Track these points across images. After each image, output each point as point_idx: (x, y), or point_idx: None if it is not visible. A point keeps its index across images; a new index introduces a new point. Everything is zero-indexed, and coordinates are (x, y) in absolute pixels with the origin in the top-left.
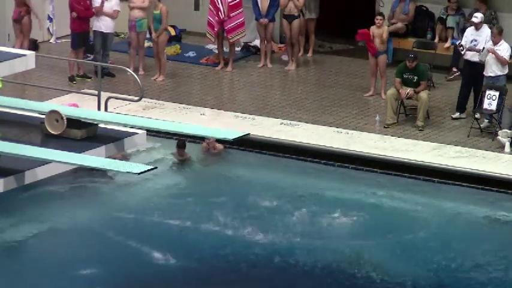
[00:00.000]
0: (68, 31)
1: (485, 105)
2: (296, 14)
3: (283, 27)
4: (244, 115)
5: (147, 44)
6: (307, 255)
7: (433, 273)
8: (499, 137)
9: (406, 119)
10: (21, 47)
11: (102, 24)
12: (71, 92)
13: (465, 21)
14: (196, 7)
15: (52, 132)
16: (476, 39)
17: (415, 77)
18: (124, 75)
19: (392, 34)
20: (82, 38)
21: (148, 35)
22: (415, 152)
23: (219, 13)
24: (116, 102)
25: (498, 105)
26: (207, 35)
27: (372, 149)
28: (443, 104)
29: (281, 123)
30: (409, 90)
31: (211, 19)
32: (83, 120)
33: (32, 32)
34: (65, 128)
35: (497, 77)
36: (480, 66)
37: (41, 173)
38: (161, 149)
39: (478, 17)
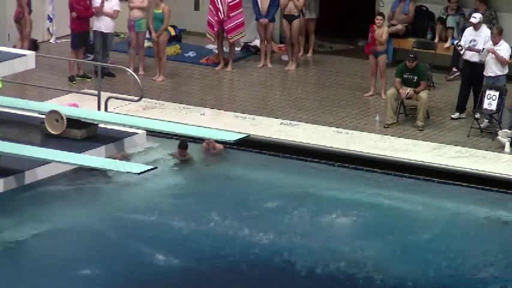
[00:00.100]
0: (68, 31)
1: (485, 105)
2: (296, 14)
3: (283, 27)
4: (244, 115)
5: (147, 44)
6: (307, 255)
7: (433, 273)
8: (499, 137)
9: (406, 119)
10: (21, 47)
11: (102, 24)
12: (71, 92)
13: (465, 21)
14: (196, 7)
15: (52, 132)
16: (475, 39)
17: (415, 77)
18: (124, 75)
19: (393, 34)
20: (82, 38)
21: (148, 35)
22: (415, 152)
23: (219, 13)
24: (116, 102)
25: (498, 105)
26: (207, 35)
27: (372, 149)
28: (443, 104)
29: (281, 123)
30: (409, 90)
31: (211, 19)
32: (83, 120)
33: (32, 32)
34: (65, 128)
35: (497, 77)
36: (479, 66)
37: (41, 173)
38: (161, 149)
39: (476, 17)
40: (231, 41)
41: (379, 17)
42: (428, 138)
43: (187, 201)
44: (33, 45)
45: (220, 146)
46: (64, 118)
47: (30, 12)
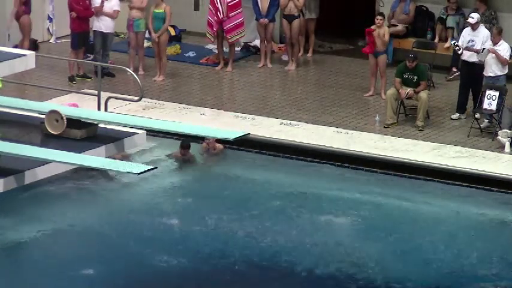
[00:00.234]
0: (68, 31)
1: (485, 105)
2: (296, 14)
3: (283, 27)
4: (244, 115)
5: (146, 44)
6: (307, 255)
7: (433, 273)
8: (499, 137)
9: (406, 119)
10: (21, 47)
11: (102, 24)
12: (71, 92)
13: (465, 21)
14: (196, 7)
15: (52, 132)
16: (473, 39)
17: (415, 77)
18: (124, 75)
19: (392, 35)
20: (82, 38)
21: (148, 35)
22: (415, 152)
23: (218, 13)
24: (116, 102)
25: (498, 105)
26: (207, 34)
27: (372, 149)
28: (443, 104)
29: (281, 123)
30: (408, 90)
31: (210, 19)
32: (83, 120)
33: (32, 32)
34: (64, 128)
35: (497, 77)
36: (478, 66)
37: (41, 173)
38: (161, 149)
39: (474, 17)
40: (230, 41)
41: (379, 17)
42: (428, 138)
43: (187, 201)
44: (33, 45)
45: (220, 146)
46: (64, 118)
47: (29, 12)
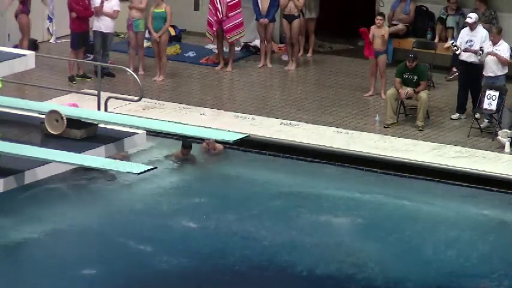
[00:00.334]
0: (68, 31)
1: (485, 105)
2: (296, 14)
3: (283, 27)
4: (244, 115)
5: (146, 44)
6: (307, 256)
7: (433, 273)
8: (499, 137)
9: (406, 119)
10: (21, 47)
11: (102, 24)
12: (71, 92)
13: (465, 21)
14: (196, 7)
15: (52, 132)
16: (472, 39)
17: (415, 77)
18: (124, 75)
19: (393, 34)
20: (82, 38)
21: (148, 35)
22: (415, 152)
23: (218, 13)
24: (115, 102)
25: (498, 105)
26: (207, 34)
27: (372, 149)
28: (443, 104)
29: (281, 123)
30: (408, 90)
31: (210, 19)
32: (83, 120)
33: (32, 32)
34: (64, 128)
35: (497, 77)
36: (476, 66)
37: (41, 173)
38: (161, 149)
39: (472, 17)
40: (229, 41)
41: (379, 17)
42: (428, 138)
43: (187, 202)
44: (33, 45)
45: (220, 146)
46: (64, 118)
47: (27, 11)
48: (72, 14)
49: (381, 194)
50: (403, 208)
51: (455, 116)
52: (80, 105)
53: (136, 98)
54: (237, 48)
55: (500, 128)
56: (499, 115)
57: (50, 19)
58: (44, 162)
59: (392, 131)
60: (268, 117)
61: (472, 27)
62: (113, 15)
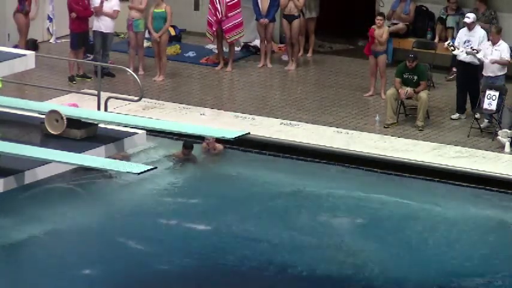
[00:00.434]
0: (68, 31)
1: (485, 105)
2: (296, 14)
3: (283, 27)
4: (244, 115)
5: (146, 43)
6: (307, 255)
7: (433, 273)
8: (499, 137)
9: (406, 119)
10: (19, 46)
11: (102, 24)
12: (71, 92)
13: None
14: (196, 7)
15: (52, 132)
16: (470, 39)
17: (415, 77)
18: (124, 75)
19: (393, 34)
20: (81, 38)
21: (148, 35)
22: (415, 152)
23: (217, 13)
24: (115, 102)
25: (498, 105)
26: (207, 34)
27: (372, 149)
28: (443, 104)
29: (281, 123)
30: (408, 89)
31: (210, 18)
32: (83, 120)
33: (32, 32)
34: (64, 128)
35: (496, 77)
36: (473, 66)
37: (41, 173)
38: (161, 149)
39: (470, 17)
40: (228, 41)
41: (379, 17)
42: (428, 138)
43: (187, 201)
44: (33, 45)
45: (220, 146)
46: (64, 118)
47: (22, 10)
48: (72, 15)
49: (381, 194)
50: (403, 208)
51: (455, 116)
52: (80, 105)
53: (136, 98)
54: (237, 48)
55: (500, 128)
56: (499, 115)
57: (50, 19)
58: (44, 162)
59: (392, 131)
60: (268, 117)
61: (470, 27)
62: (113, 15)
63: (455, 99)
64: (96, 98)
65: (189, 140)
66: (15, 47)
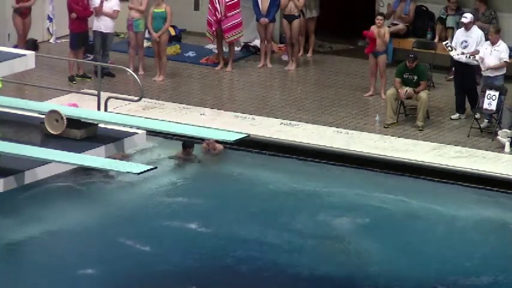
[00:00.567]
0: (68, 31)
1: (485, 105)
2: (296, 14)
3: (283, 27)
4: (244, 115)
5: (146, 43)
6: (307, 255)
7: (433, 273)
8: (499, 137)
9: (406, 119)
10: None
11: (102, 24)
12: (71, 92)
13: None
14: (196, 7)
15: (52, 132)
16: (467, 40)
17: (415, 77)
18: (124, 75)
19: (393, 34)
20: (81, 38)
21: (147, 35)
22: (415, 152)
23: (217, 12)
24: (115, 102)
25: (498, 105)
26: (207, 34)
27: (372, 149)
28: (443, 104)
29: (281, 123)
30: (407, 89)
31: (210, 18)
32: (82, 120)
33: (32, 32)
34: (64, 128)
35: (495, 77)
36: (471, 67)
37: (41, 173)
38: (161, 149)
39: (467, 17)
40: (227, 40)
41: (379, 17)
42: (428, 138)
43: (187, 202)
44: (33, 45)
45: (220, 147)
46: (64, 118)
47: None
48: (72, 15)
49: (381, 194)
50: (403, 208)
51: (455, 116)
52: (80, 105)
53: (136, 98)
54: (237, 48)
55: (500, 128)
56: (499, 115)
57: (50, 19)
58: (44, 162)
59: (392, 131)
60: (268, 117)
61: (467, 27)
62: (113, 15)
63: (455, 99)
64: (96, 98)
65: (188, 140)
66: (15, 47)
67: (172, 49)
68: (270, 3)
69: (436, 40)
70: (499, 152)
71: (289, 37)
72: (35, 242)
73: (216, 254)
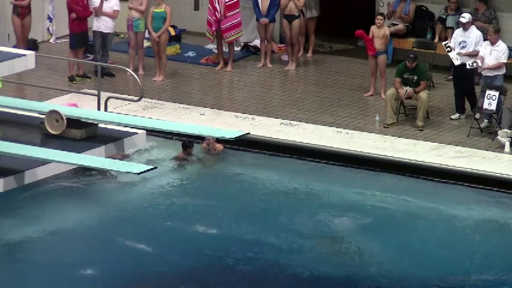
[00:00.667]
0: (68, 31)
1: (485, 105)
2: (296, 14)
3: (283, 27)
4: (244, 115)
5: (146, 43)
6: (308, 255)
7: (434, 273)
8: (499, 137)
9: (406, 119)
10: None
11: (102, 24)
12: (71, 92)
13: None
14: (196, 7)
15: (52, 132)
16: (465, 40)
17: (415, 77)
18: (124, 75)
19: (393, 34)
20: (80, 38)
21: (148, 35)
22: (415, 152)
23: (216, 12)
24: (115, 102)
25: (498, 105)
26: (207, 33)
27: (372, 149)
28: (443, 104)
29: (281, 123)
30: (407, 88)
31: (210, 18)
32: (82, 120)
33: (32, 32)
34: (64, 128)
35: (495, 76)
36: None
37: (41, 173)
38: (161, 149)
39: (465, 17)
40: (226, 40)
41: (379, 17)
42: (428, 138)
43: (187, 202)
44: (33, 45)
45: (220, 146)
46: (64, 118)
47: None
48: (72, 15)
49: (381, 194)
50: (403, 208)
51: (455, 116)
52: (80, 105)
53: (136, 98)
54: (237, 48)
55: (500, 128)
56: (499, 115)
57: (50, 19)
58: (44, 162)
59: (392, 131)
60: (268, 117)
61: (466, 27)
62: (113, 15)
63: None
64: (96, 98)
65: (188, 140)
66: (15, 47)
67: (172, 49)
68: (270, 3)
69: (436, 40)
70: (499, 152)
71: (289, 37)
72: (35, 242)
73: (216, 254)
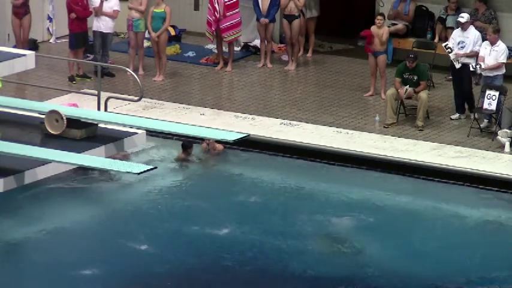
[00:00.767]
0: (68, 31)
1: (485, 105)
2: (296, 14)
3: (283, 27)
4: (244, 115)
5: (146, 43)
6: (308, 256)
7: (434, 273)
8: (499, 137)
9: (406, 119)
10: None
11: (102, 24)
12: (71, 92)
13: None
14: (196, 7)
15: (52, 132)
16: (464, 40)
17: (415, 77)
18: (124, 75)
19: (393, 34)
20: (80, 38)
21: (148, 35)
22: (415, 152)
23: (215, 12)
24: (115, 102)
25: (498, 105)
26: (207, 33)
27: (372, 149)
28: (443, 104)
29: (281, 123)
30: (407, 88)
31: (209, 18)
32: (82, 120)
33: (32, 32)
34: (64, 128)
35: (495, 76)
36: (467, 67)
37: (41, 173)
38: (161, 149)
39: (464, 17)
40: (225, 40)
41: (379, 17)
42: (428, 138)
43: (187, 202)
44: (33, 45)
45: (220, 147)
46: (64, 118)
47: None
48: (71, 15)
49: (381, 194)
50: (403, 208)
51: (455, 116)
52: (80, 105)
53: (136, 98)
54: (237, 48)
55: (500, 128)
56: (499, 115)
57: (50, 19)
58: (44, 162)
59: (392, 131)
60: (268, 117)
61: (464, 27)
62: (113, 15)
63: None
64: (96, 98)
65: (188, 141)
66: (15, 47)
67: (172, 49)
68: (270, 3)
69: (436, 40)
70: (499, 152)
71: (289, 37)
72: (35, 242)
73: (216, 254)
